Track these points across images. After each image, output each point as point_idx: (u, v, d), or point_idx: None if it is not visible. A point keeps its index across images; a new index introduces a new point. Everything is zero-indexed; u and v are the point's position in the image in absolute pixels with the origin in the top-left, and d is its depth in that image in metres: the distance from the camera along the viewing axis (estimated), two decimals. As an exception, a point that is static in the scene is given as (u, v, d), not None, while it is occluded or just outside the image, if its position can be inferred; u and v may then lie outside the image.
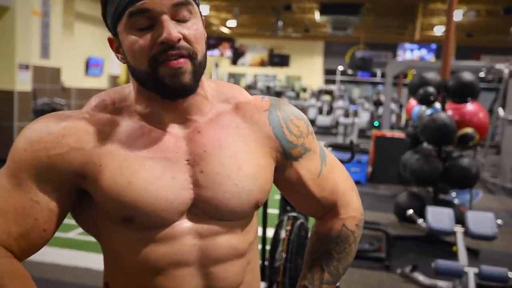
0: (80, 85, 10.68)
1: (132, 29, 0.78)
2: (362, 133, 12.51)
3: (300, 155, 0.92)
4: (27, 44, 6.85)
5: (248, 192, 0.84)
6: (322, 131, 14.01)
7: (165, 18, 0.76)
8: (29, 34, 6.90)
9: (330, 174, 0.96)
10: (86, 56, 11.05)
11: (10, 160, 0.82)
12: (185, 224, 0.83)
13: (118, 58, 0.85)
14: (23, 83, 6.80)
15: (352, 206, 0.99)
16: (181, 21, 0.78)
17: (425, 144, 4.84)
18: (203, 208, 0.83)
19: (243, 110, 0.90)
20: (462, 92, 4.53)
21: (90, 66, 11.19)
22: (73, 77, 10.48)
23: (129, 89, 0.87)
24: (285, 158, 0.91)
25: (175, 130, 0.84)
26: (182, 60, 0.77)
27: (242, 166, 0.85)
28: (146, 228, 0.81)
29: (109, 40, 0.85)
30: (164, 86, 0.78)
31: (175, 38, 0.76)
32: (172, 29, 0.76)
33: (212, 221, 0.84)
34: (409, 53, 15.04)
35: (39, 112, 7.48)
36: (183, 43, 0.77)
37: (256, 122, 0.89)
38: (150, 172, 0.80)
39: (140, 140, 0.82)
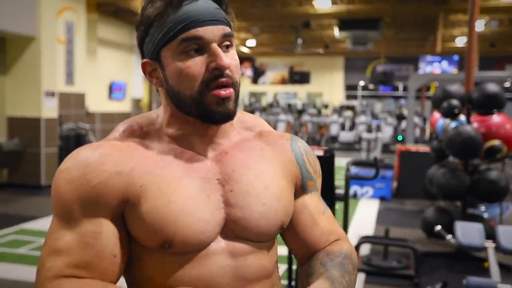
0: (104, 110, 10.91)
1: (181, 54, 0.81)
2: (386, 148, 12.39)
3: (311, 190, 0.96)
4: (52, 72, 7.05)
5: (274, 212, 0.87)
6: (345, 147, 13.91)
7: (215, 46, 0.81)
8: (54, 62, 7.11)
9: (332, 219, 0.99)
10: (109, 81, 11.31)
11: (55, 203, 0.82)
12: (218, 244, 0.84)
13: (151, 82, 0.88)
14: (49, 110, 6.99)
15: (352, 246, 0.98)
16: (225, 51, 0.83)
17: (451, 158, 4.76)
18: (233, 228, 0.85)
19: (266, 136, 0.95)
20: (488, 103, 4.46)
21: (113, 90, 11.43)
22: (97, 102, 10.72)
23: (157, 114, 0.91)
24: (300, 187, 0.94)
25: (204, 152, 0.87)
26: (229, 90, 0.82)
27: (268, 186, 0.88)
28: (183, 252, 0.82)
29: (143, 64, 0.87)
30: (210, 112, 0.83)
31: (227, 66, 0.81)
32: (225, 57, 0.81)
33: (241, 240, 0.86)
34: (431, 66, 14.91)
35: (65, 138, 7.67)
36: (228, 72, 0.82)
37: (279, 147, 0.93)
38: (187, 191, 0.82)
39: (173, 161, 0.84)
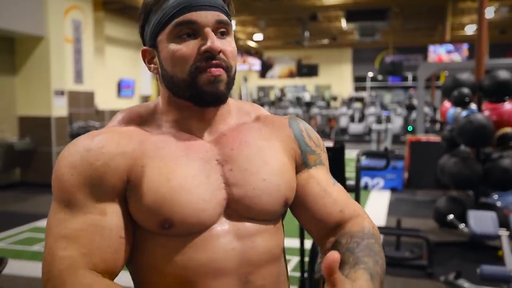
0: (113, 107, 10.96)
1: (175, 38, 0.83)
2: (396, 139, 12.32)
3: (315, 163, 0.94)
4: (61, 71, 7.09)
5: (276, 188, 0.87)
6: (355, 139, 13.85)
7: (209, 30, 0.83)
8: (63, 61, 7.15)
9: (344, 191, 0.95)
10: (118, 78, 11.36)
11: (58, 190, 0.82)
12: (222, 226, 0.84)
13: (149, 69, 0.90)
14: (59, 108, 7.04)
15: (371, 219, 0.93)
16: (220, 37, 0.84)
17: (463, 147, 4.72)
18: (236, 208, 0.85)
19: (264, 119, 0.96)
20: (499, 91, 4.41)
21: (122, 88, 11.48)
22: (106, 100, 10.78)
23: (154, 103, 0.92)
24: (301, 162, 0.93)
25: (202, 135, 0.89)
26: (220, 69, 0.83)
27: (268, 161, 0.88)
28: (185, 233, 0.81)
29: (143, 51, 0.90)
30: (201, 93, 0.84)
31: (218, 48, 0.82)
32: (216, 41, 0.82)
33: (245, 220, 0.85)
34: (440, 55, 14.77)
35: (75, 136, 7.71)
36: (222, 56, 0.83)
37: (277, 126, 0.95)
38: (186, 170, 0.83)
39: (172, 142, 0.86)
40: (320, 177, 0.93)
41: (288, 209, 0.94)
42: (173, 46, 0.83)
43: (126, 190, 0.82)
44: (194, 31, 0.83)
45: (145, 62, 0.90)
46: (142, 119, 0.90)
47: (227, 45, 0.85)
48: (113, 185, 0.81)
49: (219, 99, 0.85)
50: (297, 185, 0.92)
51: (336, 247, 0.86)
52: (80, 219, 0.79)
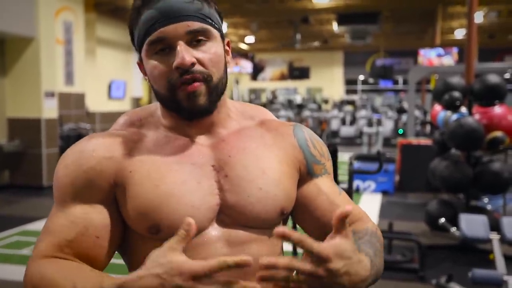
0: (104, 109, 10.90)
1: (152, 55, 0.82)
2: (387, 142, 12.37)
3: (321, 173, 0.93)
4: (52, 72, 7.04)
5: (273, 197, 0.85)
6: (346, 141, 13.89)
7: (180, 43, 0.80)
8: (54, 62, 7.10)
9: (349, 200, 0.95)
10: (109, 80, 11.28)
11: (55, 189, 0.85)
12: (213, 232, 0.83)
13: (146, 80, 0.89)
14: (50, 110, 6.98)
15: (375, 224, 0.94)
16: (196, 46, 0.82)
17: (453, 150, 4.74)
18: (229, 215, 0.83)
19: (268, 124, 0.94)
20: (489, 95, 4.44)
21: (113, 89, 11.41)
22: (97, 102, 10.70)
23: (156, 106, 0.92)
24: (306, 171, 0.92)
25: (200, 140, 0.88)
26: (196, 84, 0.81)
27: (266, 171, 0.86)
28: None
29: (138, 64, 0.90)
30: (182, 109, 0.83)
31: (188, 63, 0.79)
32: (186, 55, 0.79)
33: (239, 228, 0.84)
34: (431, 58, 14.87)
35: (65, 138, 7.66)
36: (198, 67, 0.81)
37: (281, 134, 0.92)
38: (177, 176, 0.82)
39: (166, 147, 0.85)
40: (327, 189, 0.92)
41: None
42: (151, 63, 0.83)
43: (115, 193, 0.83)
44: (167, 45, 0.81)
45: (142, 74, 0.90)
46: (141, 122, 0.90)
47: (205, 52, 0.82)
48: (100, 187, 0.82)
49: (201, 112, 0.84)
50: (304, 196, 0.91)
51: None
52: (64, 215, 0.82)
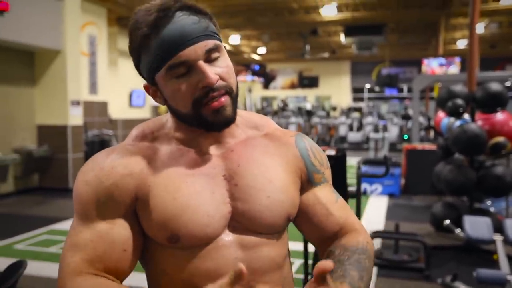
0: (125, 116, 10.99)
1: (172, 78, 0.81)
2: (393, 147, 12.29)
3: (320, 182, 0.94)
4: (77, 82, 7.12)
5: (280, 204, 0.86)
6: (354, 147, 13.82)
7: (201, 64, 0.80)
8: (79, 73, 7.18)
9: (346, 206, 0.97)
10: (130, 89, 11.38)
11: (77, 204, 0.84)
12: (227, 237, 0.84)
13: (156, 101, 0.88)
14: (75, 117, 7.06)
15: (368, 235, 0.95)
16: (213, 63, 0.82)
17: (457, 155, 4.69)
18: (240, 221, 0.85)
19: (272, 135, 0.94)
20: (491, 102, 4.39)
21: (134, 98, 11.50)
22: (119, 109, 10.80)
23: (166, 118, 0.91)
24: (307, 180, 0.93)
25: (211, 150, 0.88)
26: (222, 98, 0.81)
27: (272, 179, 0.87)
28: (191, 246, 0.82)
29: (145, 87, 0.88)
30: (209, 123, 0.83)
31: (215, 81, 0.80)
32: (211, 73, 0.79)
33: (249, 233, 0.85)
34: (434, 68, 14.75)
35: (90, 144, 7.74)
36: (220, 82, 0.81)
37: (284, 144, 0.93)
38: (192, 187, 0.82)
39: (180, 160, 0.85)
40: (324, 197, 0.94)
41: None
42: (172, 86, 0.81)
43: (136, 206, 0.83)
44: (187, 68, 0.80)
45: (149, 95, 0.88)
46: (153, 135, 0.89)
47: (221, 67, 0.82)
48: (122, 202, 0.82)
49: (228, 124, 0.84)
50: (303, 203, 0.93)
51: (329, 256, 0.89)
52: (90, 231, 0.81)
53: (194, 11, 0.81)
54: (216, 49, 0.82)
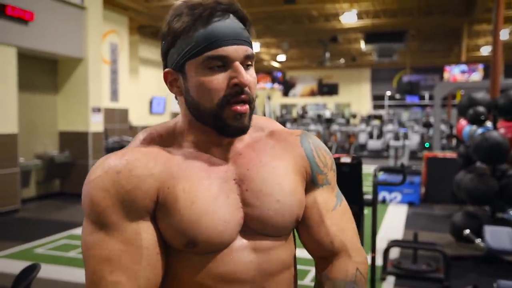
0: (145, 123, 11.13)
1: (205, 69, 0.81)
2: (413, 155, 12.12)
3: (322, 183, 0.94)
4: (98, 89, 7.25)
5: (289, 208, 0.87)
6: (373, 154, 13.68)
7: (238, 64, 0.81)
8: (100, 81, 7.31)
9: (343, 215, 0.96)
10: (150, 97, 11.54)
11: (92, 212, 0.80)
12: (240, 242, 0.85)
13: (171, 90, 0.87)
14: (96, 124, 7.18)
15: (362, 252, 0.95)
16: (246, 68, 0.84)
17: (478, 163, 4.60)
18: (252, 226, 0.85)
19: (277, 135, 0.94)
20: (514, 109, 4.29)
21: (154, 105, 11.65)
22: (139, 116, 10.95)
23: (173, 122, 0.91)
24: (311, 180, 0.93)
25: (222, 155, 0.88)
26: (246, 106, 0.82)
27: (281, 182, 0.87)
28: (207, 251, 0.82)
29: (166, 73, 0.86)
30: (226, 126, 0.83)
31: (248, 83, 0.81)
32: (246, 75, 0.81)
33: (261, 236, 0.86)
34: (456, 75, 14.54)
35: (110, 150, 7.85)
36: (247, 89, 0.83)
37: (290, 144, 0.93)
38: (209, 191, 0.82)
39: (195, 163, 0.85)
40: (321, 201, 0.93)
41: None
42: (203, 77, 0.81)
43: (155, 209, 0.82)
44: (224, 63, 0.81)
45: (166, 83, 0.87)
46: (162, 138, 0.88)
47: (252, 77, 0.84)
48: (144, 205, 0.80)
49: (243, 132, 0.85)
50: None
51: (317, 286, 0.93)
52: (117, 239, 0.78)
53: (244, 19, 0.84)
54: (252, 57, 0.84)
